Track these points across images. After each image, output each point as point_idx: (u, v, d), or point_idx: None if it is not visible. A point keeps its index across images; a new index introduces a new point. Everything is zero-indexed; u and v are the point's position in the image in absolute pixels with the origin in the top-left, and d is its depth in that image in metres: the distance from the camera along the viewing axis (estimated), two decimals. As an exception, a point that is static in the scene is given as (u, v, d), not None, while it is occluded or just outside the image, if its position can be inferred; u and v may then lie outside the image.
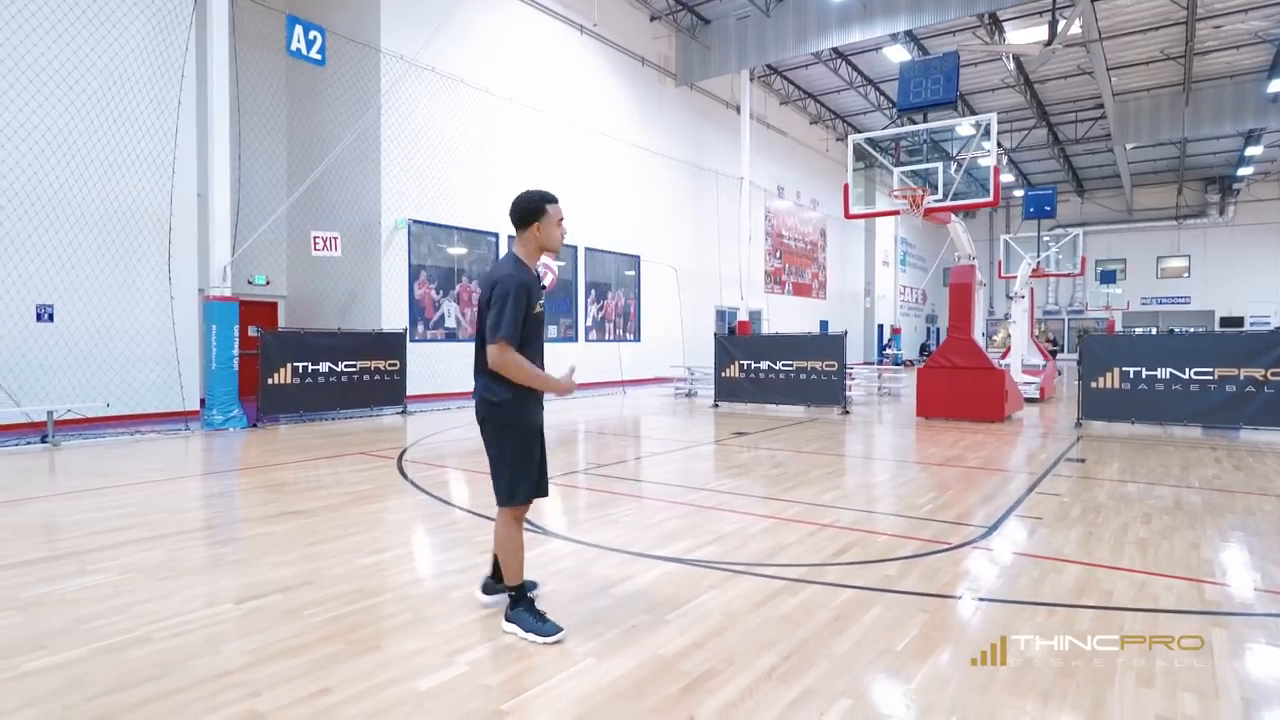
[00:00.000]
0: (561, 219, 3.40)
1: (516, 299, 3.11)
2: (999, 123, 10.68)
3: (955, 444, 9.19)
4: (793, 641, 3.14)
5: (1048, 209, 19.86)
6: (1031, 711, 2.58)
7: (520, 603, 3.28)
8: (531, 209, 3.29)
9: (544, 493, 3.43)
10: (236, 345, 10.75)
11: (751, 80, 23.11)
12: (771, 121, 26.77)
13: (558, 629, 3.19)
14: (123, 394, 10.37)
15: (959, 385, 11.51)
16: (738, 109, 23.29)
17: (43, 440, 8.90)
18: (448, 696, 2.68)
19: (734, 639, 3.17)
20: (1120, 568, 4.14)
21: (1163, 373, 9.82)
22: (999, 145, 10.90)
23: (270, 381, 10.88)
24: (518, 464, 3.28)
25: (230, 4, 10.75)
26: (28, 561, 4.32)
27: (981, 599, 3.67)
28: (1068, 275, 27.09)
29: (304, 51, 11.26)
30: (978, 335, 11.93)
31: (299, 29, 11.16)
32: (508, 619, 3.28)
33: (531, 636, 3.16)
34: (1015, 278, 17.47)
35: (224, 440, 9.45)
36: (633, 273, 20.48)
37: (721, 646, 3.09)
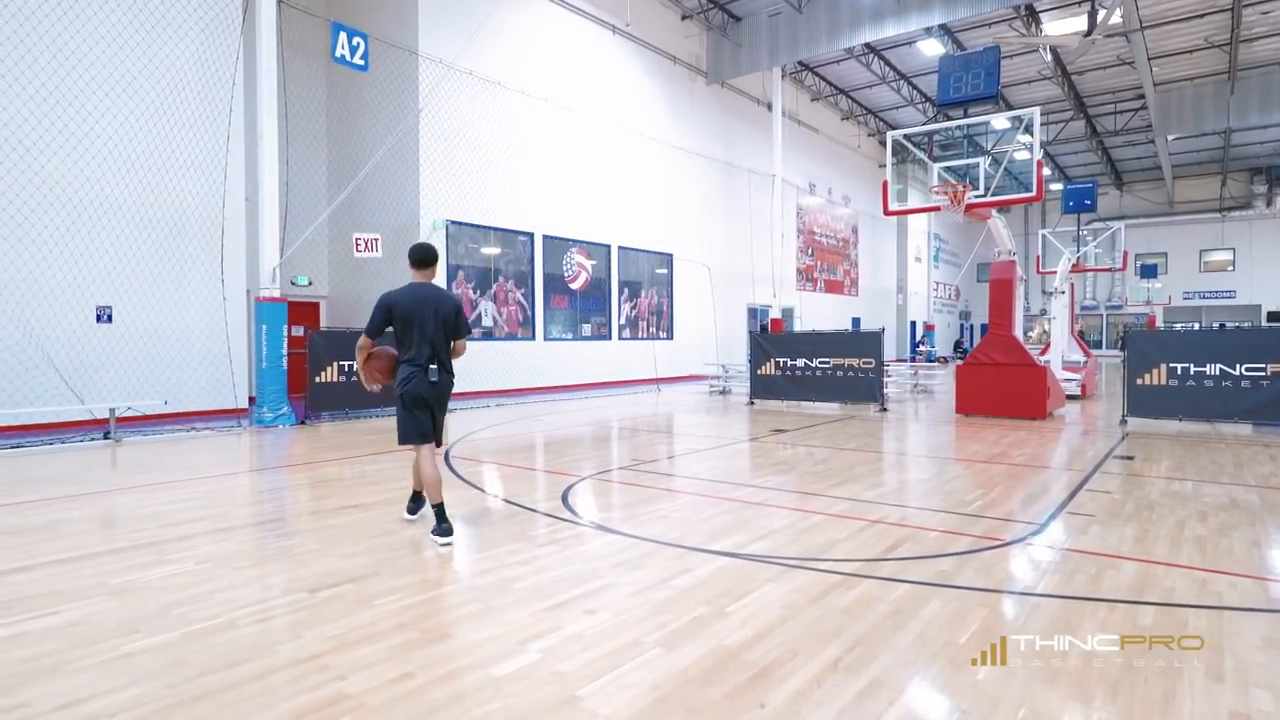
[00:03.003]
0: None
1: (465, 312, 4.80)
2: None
3: (998, 441, 9.13)
4: (855, 633, 3.20)
5: (1088, 203, 19.54)
6: (1100, 707, 2.61)
7: (444, 516, 4.78)
8: (432, 255, 4.93)
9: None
10: (285, 344, 11.03)
11: (783, 77, 23.06)
12: (803, 118, 26.66)
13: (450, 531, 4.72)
14: (178, 392, 10.70)
15: (1000, 382, 11.41)
16: (769, 106, 23.23)
17: (105, 436, 9.23)
18: (525, 682, 2.78)
19: (796, 630, 3.24)
20: (1180, 565, 4.12)
21: (1212, 369, 9.65)
22: (1033, 141, 10.76)
23: (318, 380, 11.15)
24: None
25: (278, 13, 11.02)
26: (111, 551, 4.52)
27: (1040, 594, 3.69)
28: (1108, 270, 26.61)
29: (348, 58, 11.49)
30: (1017, 331, 11.81)
31: (343, 35, 11.39)
32: (437, 534, 4.70)
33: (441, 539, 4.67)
34: (1054, 273, 17.21)
35: (274, 437, 9.72)
36: (665, 271, 20.55)
37: (785, 638, 3.16)
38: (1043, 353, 16.28)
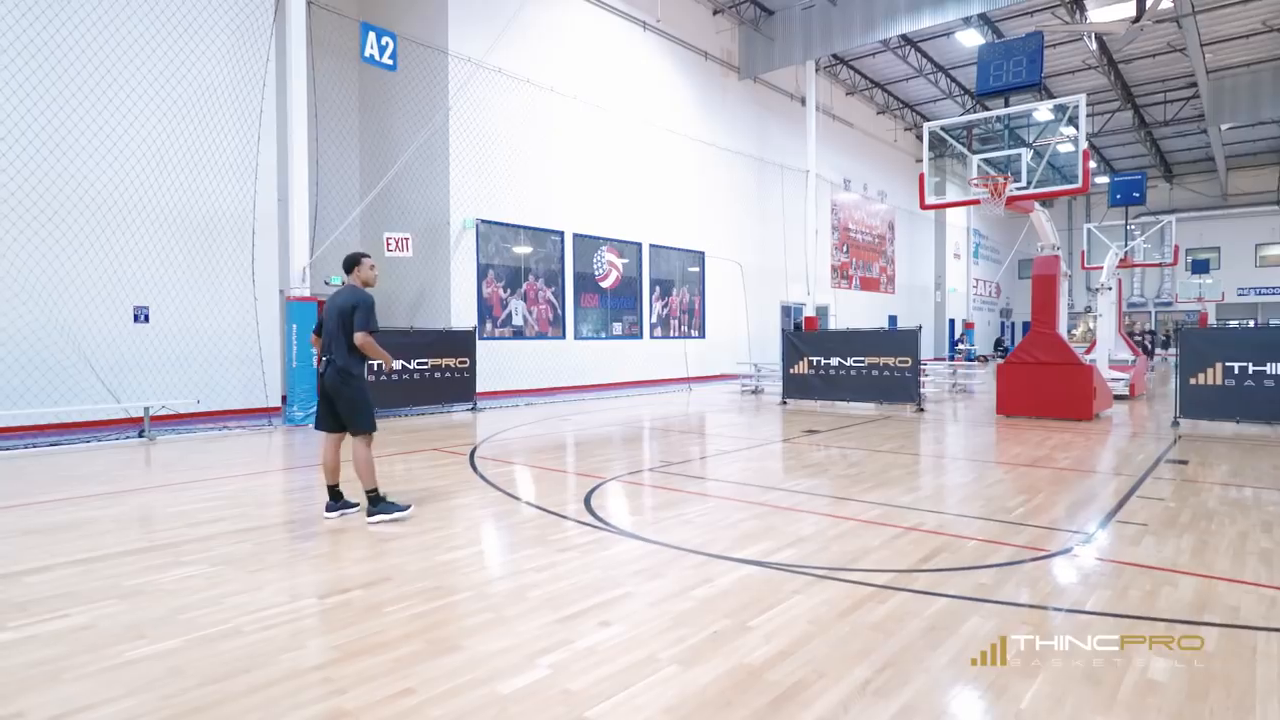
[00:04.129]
0: (374, 266, 5.42)
1: (373, 309, 5.15)
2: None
3: (1042, 443, 8.76)
4: (886, 652, 2.98)
5: (1136, 195, 18.82)
6: (1158, 737, 2.37)
7: (378, 501, 5.17)
8: (353, 261, 5.36)
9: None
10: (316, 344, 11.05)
11: (817, 71, 22.66)
12: (837, 113, 26.20)
13: (407, 505, 5.27)
14: (210, 391, 10.81)
15: (1043, 381, 10.99)
16: (802, 101, 22.86)
17: (140, 435, 9.34)
18: (530, 700, 2.63)
19: (823, 648, 3.03)
20: (1244, 581, 3.82)
21: (1273, 368, 9.15)
22: (1079, 131, 10.32)
23: (347, 379, 11.16)
24: (368, 409, 5.24)
25: (307, 15, 11.07)
26: (128, 552, 4.49)
27: (1091, 611, 3.43)
28: (1157, 265, 25.69)
29: (377, 58, 11.50)
30: (1060, 329, 11.37)
31: (372, 36, 11.41)
32: (370, 514, 5.13)
33: (395, 515, 5.16)
34: (1100, 268, 16.60)
35: (304, 435, 9.74)
36: (697, 269, 20.32)
37: (810, 656, 2.96)
38: (1088, 351, 15.72)
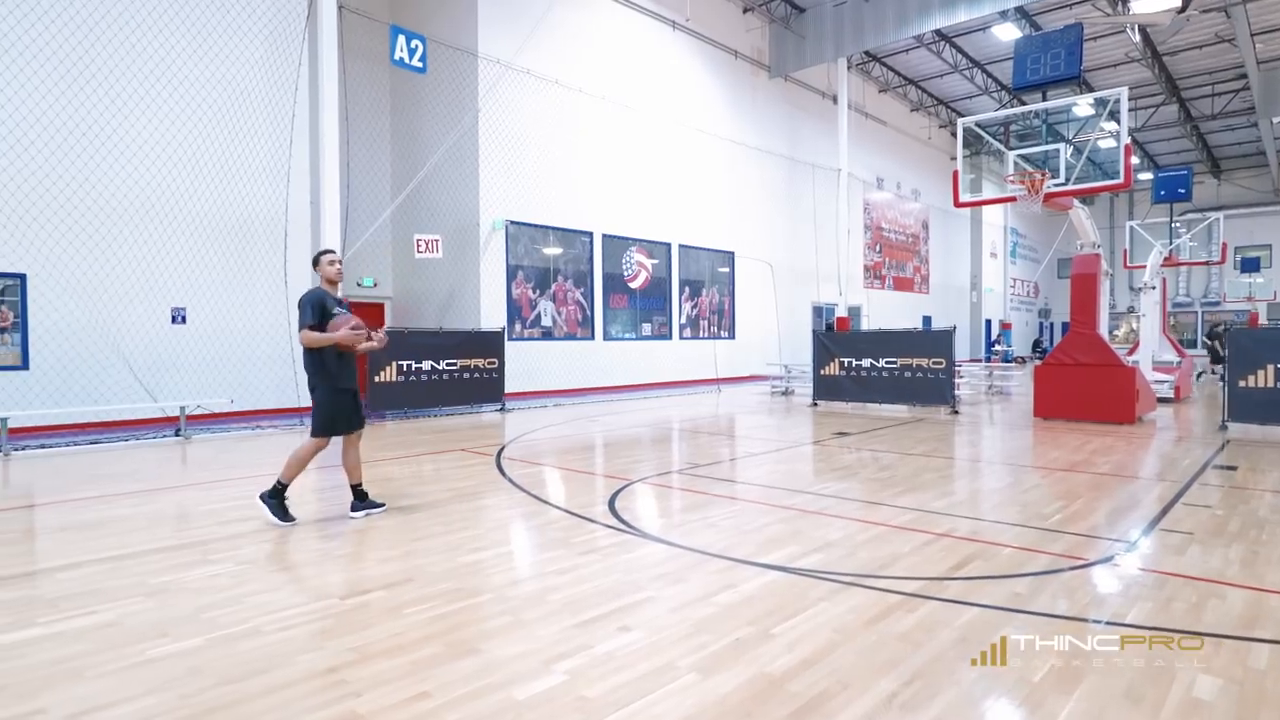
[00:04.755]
0: (334, 262, 5.33)
1: (317, 304, 5.07)
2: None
3: (1081, 447, 8.50)
4: (914, 664, 2.88)
5: (1181, 191, 18.26)
6: (1204, 760, 2.24)
7: (277, 495, 5.15)
8: (314, 261, 5.40)
9: (341, 433, 5.35)
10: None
11: (849, 69, 22.38)
12: (870, 110, 25.85)
13: (294, 519, 5.16)
14: (244, 391, 10.98)
15: (1083, 383, 10.69)
16: (834, 99, 22.58)
17: (176, 434, 9.52)
18: (546, 707, 2.58)
19: (848, 658, 2.94)
20: (1296, 592, 3.64)
21: (1326, 370, 8.77)
22: (1120, 125, 10.00)
23: (377, 379, 11.28)
24: (321, 417, 5.23)
25: (339, 19, 11.20)
26: (156, 550, 4.54)
27: (1131, 624, 3.29)
28: (1204, 264, 24.92)
29: (406, 60, 11.60)
30: (1101, 330, 11.05)
31: (401, 39, 11.50)
32: (262, 496, 5.18)
33: (275, 520, 5.08)
34: (1143, 267, 16.12)
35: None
36: (726, 269, 20.18)
37: (835, 666, 2.87)
38: (1130, 352, 15.29)
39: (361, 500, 5.42)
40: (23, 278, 9.35)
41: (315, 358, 5.13)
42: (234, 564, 4.27)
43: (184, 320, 10.66)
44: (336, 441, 5.45)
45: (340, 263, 5.39)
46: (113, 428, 9.81)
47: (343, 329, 5.05)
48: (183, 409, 9.70)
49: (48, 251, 9.51)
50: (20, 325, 9.36)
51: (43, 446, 8.66)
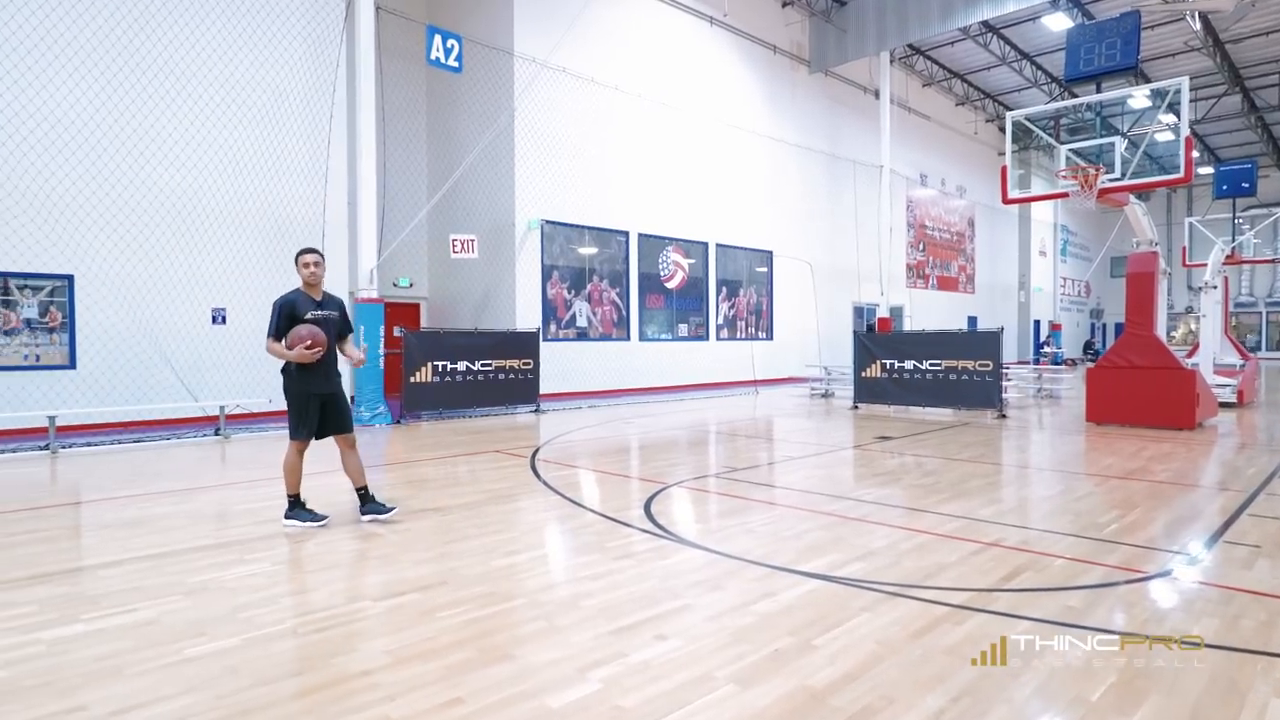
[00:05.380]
0: (307, 264, 5.21)
1: (284, 314, 5.09)
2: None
3: (1137, 454, 8.24)
4: (962, 680, 2.79)
5: (1245, 186, 17.61)
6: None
7: (295, 506, 5.21)
8: (296, 259, 5.27)
9: (314, 436, 5.29)
10: (382, 345, 11.35)
11: (891, 62, 22.08)
12: (913, 105, 25.45)
13: (324, 515, 5.22)
14: (281, 391, 11.16)
15: (1139, 387, 10.36)
16: (876, 94, 22.29)
17: (215, 433, 9.74)
18: (580, 716, 2.56)
19: (892, 672, 2.87)
20: (1375, 611, 3.46)
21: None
22: (1180, 117, 9.67)
23: (412, 380, 11.41)
24: (293, 417, 5.22)
25: (376, 20, 11.36)
26: (196, 548, 4.64)
27: (1192, 643, 3.15)
28: (1269, 261, 24.04)
29: (442, 60, 11.72)
30: (1159, 331, 10.70)
31: (438, 39, 11.63)
32: (286, 518, 5.20)
33: (308, 525, 5.11)
34: (1203, 265, 15.58)
35: (370, 436, 9.97)
36: (765, 269, 20.03)
37: (879, 680, 2.80)
38: (1190, 355, 14.80)
39: (367, 503, 5.38)
40: (70, 279, 9.66)
41: (289, 367, 5.17)
42: (270, 564, 4.33)
43: (224, 320, 10.91)
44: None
45: (315, 265, 5.23)
46: (155, 426, 10.07)
47: (296, 347, 5.01)
48: (222, 408, 9.92)
49: (93, 253, 9.80)
50: (68, 325, 9.66)
51: (88, 444, 8.93)
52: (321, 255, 5.37)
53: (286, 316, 5.09)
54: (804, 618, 3.43)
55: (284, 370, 5.20)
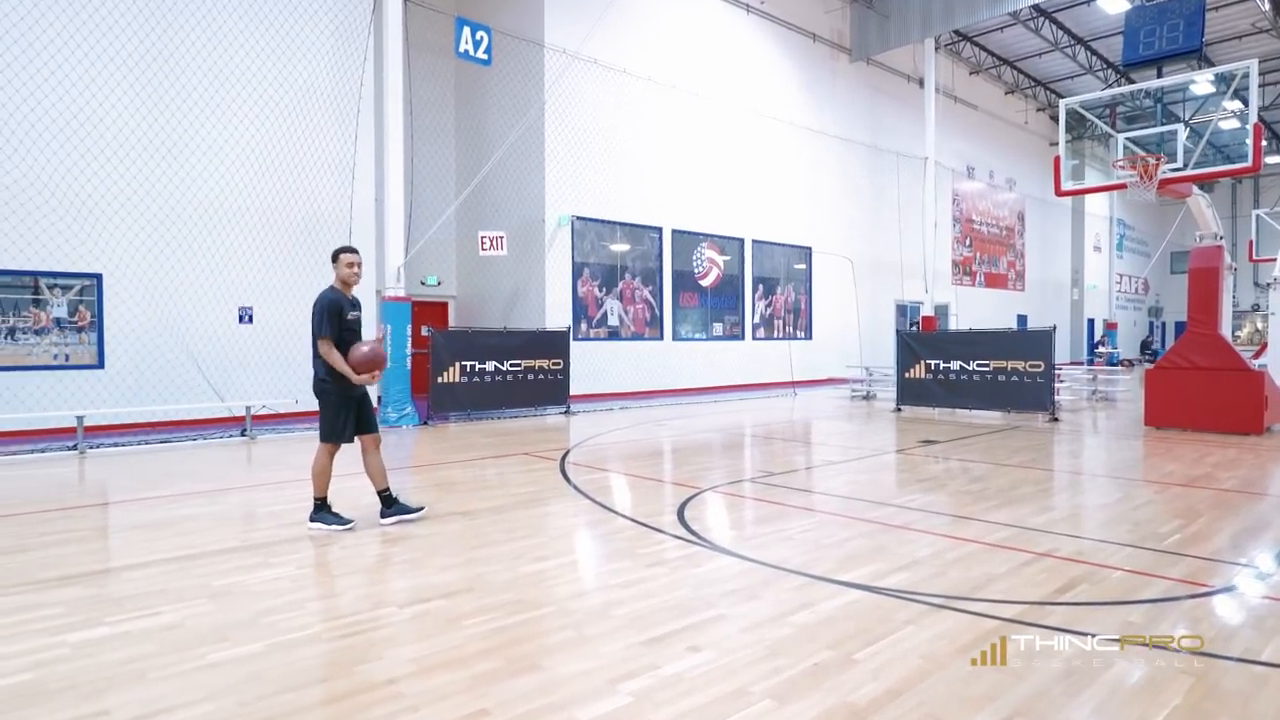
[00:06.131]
0: (352, 264, 5.30)
1: (333, 312, 5.12)
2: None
3: (1201, 460, 7.99)
4: (1014, 699, 2.71)
5: (1318, 176, 16.97)
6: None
7: (322, 509, 5.26)
8: (333, 256, 5.34)
9: (349, 440, 5.34)
10: (410, 344, 11.46)
11: (936, 49, 21.74)
12: (960, 94, 25.05)
13: (350, 519, 5.25)
14: (308, 392, 11.27)
15: (1202, 389, 10.06)
16: (920, 82, 21.98)
17: (242, 434, 9.91)
18: (611, 730, 2.53)
19: (939, 689, 2.79)
20: None
21: None
22: (1247, 103, 9.36)
23: (440, 380, 11.51)
24: (328, 420, 5.25)
25: (404, 12, 11.48)
26: (221, 551, 4.71)
27: (1268, 662, 3.03)
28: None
29: (471, 53, 11.80)
30: (1223, 330, 10.38)
31: (467, 31, 11.71)
32: (312, 519, 5.24)
33: (334, 528, 5.16)
34: (1272, 261, 15.09)
35: (398, 437, 10.08)
36: (803, 266, 19.86)
37: (924, 698, 2.73)
38: (1257, 355, 14.34)
39: (390, 505, 5.40)
40: (99, 278, 9.91)
41: (329, 367, 5.17)
42: (295, 568, 4.38)
43: (250, 320, 11.10)
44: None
45: (360, 265, 5.36)
46: (182, 426, 10.29)
47: (362, 356, 5.11)
48: (248, 409, 10.10)
49: (121, 251, 10.04)
50: (96, 325, 9.91)
51: (116, 445, 9.15)
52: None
53: (334, 315, 5.13)
54: (844, 630, 3.37)
55: (320, 375, 5.21)
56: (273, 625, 3.47)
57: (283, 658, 3.12)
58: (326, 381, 5.19)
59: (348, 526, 5.20)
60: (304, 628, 3.45)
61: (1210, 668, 2.98)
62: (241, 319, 11.07)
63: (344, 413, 5.24)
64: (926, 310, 20.96)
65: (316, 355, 5.19)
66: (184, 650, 3.20)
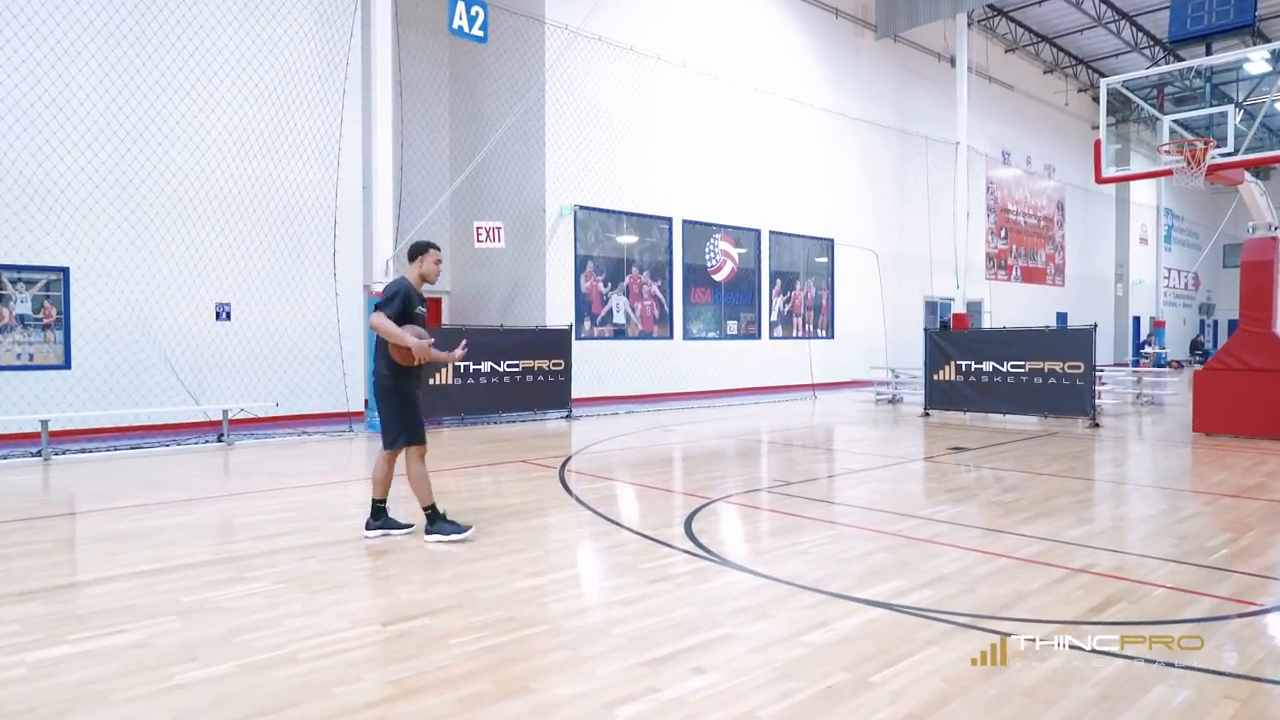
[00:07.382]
0: (439, 260, 5.50)
1: (404, 297, 5.12)
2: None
3: (1254, 469, 7.95)
4: (1045, 726, 2.70)
5: (1384, 161, 16.88)
6: None
7: (435, 518, 5.23)
8: (419, 249, 5.43)
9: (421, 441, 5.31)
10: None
11: (969, 25, 21.65)
12: (994, 73, 24.97)
13: (468, 526, 5.28)
14: (290, 394, 11.41)
15: (1256, 392, 10.01)
16: (951, 61, 21.91)
17: (219, 439, 9.97)
18: (606, 758, 2.53)
19: (963, 715, 2.78)
20: None
21: None
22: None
23: (432, 382, 11.53)
24: (394, 421, 5.24)
25: (394, -14, 11.52)
26: (191, 565, 4.73)
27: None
28: None
29: (466, 29, 11.83)
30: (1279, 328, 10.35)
31: (460, 5, 11.73)
32: (428, 532, 5.22)
33: (454, 536, 5.16)
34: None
35: (386, 443, 10.10)
36: (825, 259, 19.85)
37: (947, 724, 2.72)
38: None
39: (377, 518, 5.37)
40: (65, 271, 9.97)
41: (391, 360, 5.10)
42: (270, 582, 4.39)
43: (228, 317, 11.15)
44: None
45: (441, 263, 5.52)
46: (154, 431, 10.34)
47: (414, 332, 5.03)
48: (225, 412, 10.15)
49: (90, 243, 10.09)
50: (63, 322, 9.98)
51: (83, 450, 9.21)
52: None
53: (405, 301, 5.11)
54: (862, 651, 3.36)
55: (383, 372, 5.19)
56: (245, 644, 3.48)
57: (255, 679, 3.12)
58: (389, 378, 5.17)
59: (469, 534, 5.21)
60: (278, 647, 3.45)
61: (1256, 691, 2.95)
62: (219, 316, 11.13)
63: (411, 409, 5.23)
64: (958, 307, 20.88)
65: (378, 353, 5.19)
66: (150, 670, 3.21)
